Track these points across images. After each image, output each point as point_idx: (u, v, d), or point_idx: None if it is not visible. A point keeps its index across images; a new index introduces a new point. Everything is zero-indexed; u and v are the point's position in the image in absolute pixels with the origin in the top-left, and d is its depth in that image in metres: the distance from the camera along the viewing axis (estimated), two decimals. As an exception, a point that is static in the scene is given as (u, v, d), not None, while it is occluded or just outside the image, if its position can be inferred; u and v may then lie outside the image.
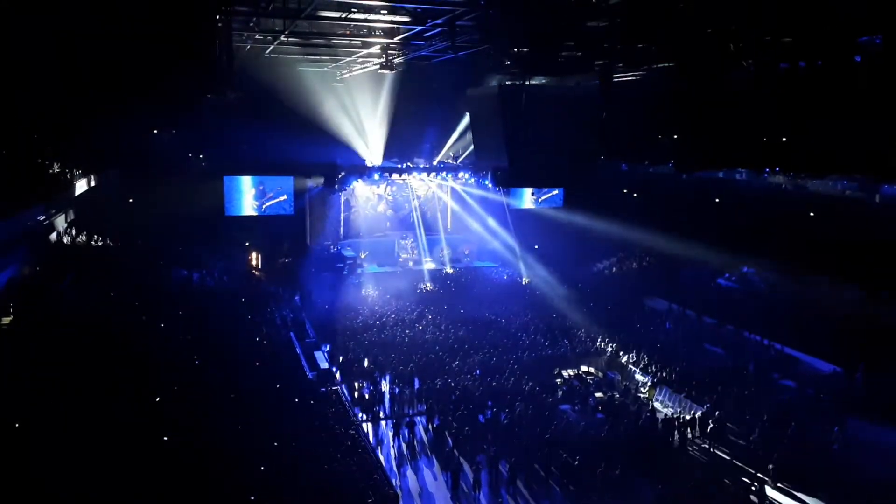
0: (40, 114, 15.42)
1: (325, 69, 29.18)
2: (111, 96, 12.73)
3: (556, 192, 37.88)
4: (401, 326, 27.32)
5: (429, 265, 37.21)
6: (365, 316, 28.56)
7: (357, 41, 21.56)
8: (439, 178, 36.42)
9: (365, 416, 20.37)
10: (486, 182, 34.48)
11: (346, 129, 31.85)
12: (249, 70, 24.36)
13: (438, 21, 17.20)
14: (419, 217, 38.93)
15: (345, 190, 36.25)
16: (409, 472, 17.64)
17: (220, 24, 15.28)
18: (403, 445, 18.89)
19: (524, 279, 35.28)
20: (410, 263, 37.41)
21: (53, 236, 26.52)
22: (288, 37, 20.99)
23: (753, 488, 16.24)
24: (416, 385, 21.97)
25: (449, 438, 18.59)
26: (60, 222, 27.35)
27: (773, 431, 18.86)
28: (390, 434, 19.33)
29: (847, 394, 21.21)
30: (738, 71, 13.51)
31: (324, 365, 22.56)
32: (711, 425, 19.43)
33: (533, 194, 38.52)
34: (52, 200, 26.83)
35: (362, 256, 36.54)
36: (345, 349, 24.61)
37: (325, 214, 36.43)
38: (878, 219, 24.77)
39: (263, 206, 31.56)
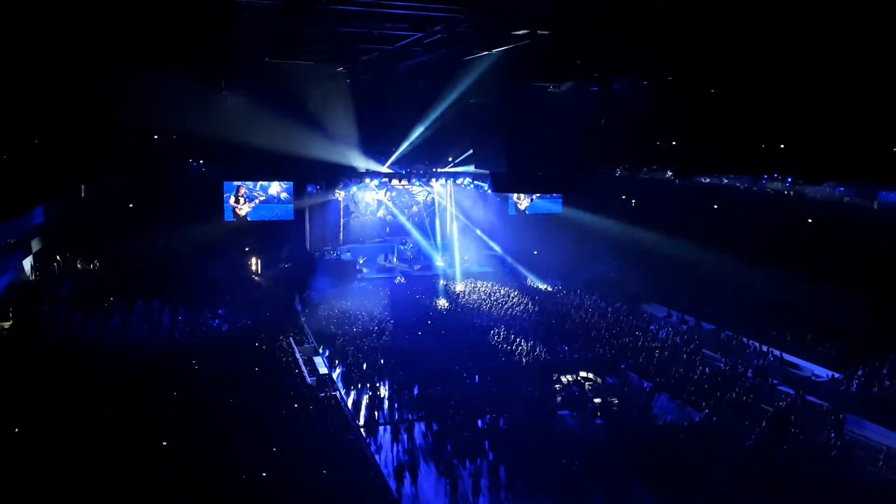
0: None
1: (327, 74, 29.17)
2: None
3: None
4: (399, 332, 27.29)
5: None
6: (364, 321, 28.53)
7: (359, 47, 21.63)
8: (439, 183, 36.49)
9: (364, 422, 20.34)
10: (486, 188, 34.50)
11: (346, 134, 31.82)
12: (252, 73, 24.39)
13: (437, 28, 17.29)
14: (412, 222, 39.14)
15: (345, 195, 36.28)
16: (408, 478, 17.60)
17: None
18: (403, 451, 18.85)
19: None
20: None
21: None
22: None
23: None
24: (416, 390, 21.94)
25: (448, 444, 18.56)
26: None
27: (771, 437, 18.85)
28: (389, 440, 19.30)
29: (846, 400, 21.21)
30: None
31: (323, 370, 22.54)
32: (710, 431, 19.40)
33: (527, 198, 38.53)
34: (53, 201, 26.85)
35: (361, 262, 36.54)
36: (344, 354, 24.58)
37: (324, 220, 36.46)
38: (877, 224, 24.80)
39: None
